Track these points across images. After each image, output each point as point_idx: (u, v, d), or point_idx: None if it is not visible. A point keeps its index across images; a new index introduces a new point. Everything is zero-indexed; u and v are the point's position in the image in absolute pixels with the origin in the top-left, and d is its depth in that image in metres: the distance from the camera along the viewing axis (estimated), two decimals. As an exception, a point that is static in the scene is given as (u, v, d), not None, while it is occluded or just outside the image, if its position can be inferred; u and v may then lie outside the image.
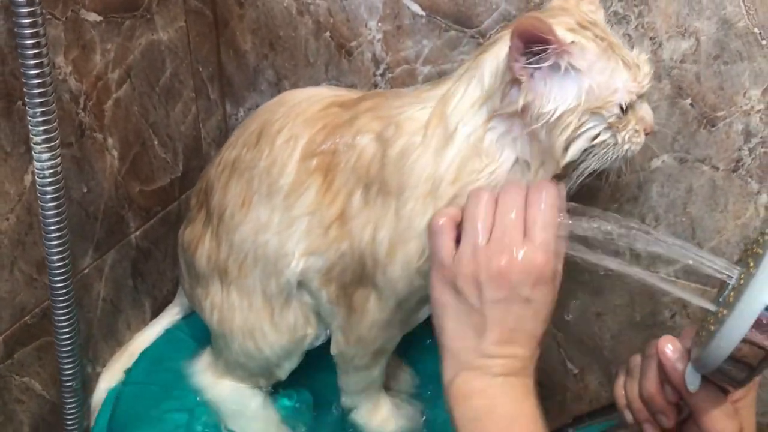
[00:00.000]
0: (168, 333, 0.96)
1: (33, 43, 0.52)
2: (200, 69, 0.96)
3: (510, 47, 0.58)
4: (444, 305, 0.57)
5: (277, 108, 0.75)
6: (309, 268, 0.73)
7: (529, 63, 0.58)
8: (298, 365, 0.84)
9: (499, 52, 0.62)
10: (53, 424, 0.86)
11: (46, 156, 0.55)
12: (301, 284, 0.75)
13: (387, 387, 0.89)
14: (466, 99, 0.64)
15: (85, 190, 0.82)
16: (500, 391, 0.55)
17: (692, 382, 0.52)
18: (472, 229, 0.56)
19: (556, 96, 0.59)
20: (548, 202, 0.56)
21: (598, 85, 0.59)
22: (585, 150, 0.62)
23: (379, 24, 0.86)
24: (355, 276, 0.71)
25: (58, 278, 0.67)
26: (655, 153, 0.80)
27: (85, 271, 0.86)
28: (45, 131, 0.55)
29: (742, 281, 0.50)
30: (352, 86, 0.91)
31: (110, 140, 0.84)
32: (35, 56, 0.53)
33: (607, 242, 0.58)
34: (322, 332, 0.81)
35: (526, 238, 0.55)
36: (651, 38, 0.75)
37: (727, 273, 0.52)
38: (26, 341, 0.80)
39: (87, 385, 0.91)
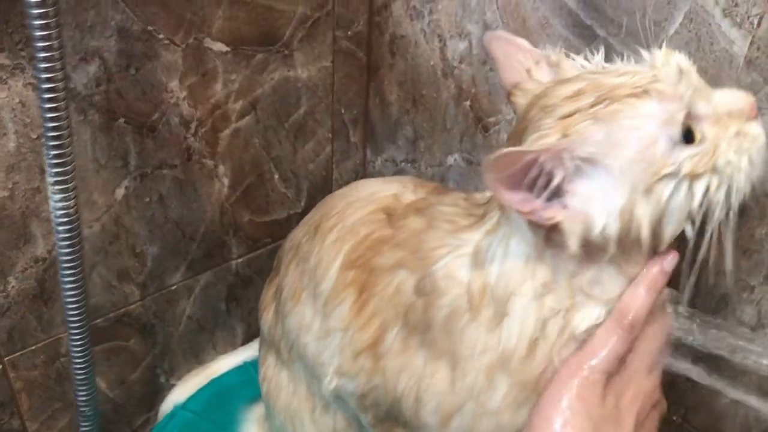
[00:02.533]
0: (247, 366, 0.94)
1: (48, 88, 0.49)
2: (342, 111, 0.91)
3: (497, 194, 0.45)
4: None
5: (340, 201, 0.67)
6: (342, 388, 0.64)
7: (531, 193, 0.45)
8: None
9: None
10: (114, 421, 0.89)
11: (57, 197, 0.53)
12: (339, 399, 0.67)
13: None
14: (511, 262, 0.50)
15: (184, 211, 0.82)
16: None
17: None
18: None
19: (595, 204, 0.45)
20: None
21: (629, 157, 0.44)
22: (686, 219, 0.47)
23: (521, 105, 0.74)
24: (391, 416, 0.61)
25: (74, 318, 0.64)
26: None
27: (173, 287, 0.86)
28: (58, 173, 0.52)
29: None
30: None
31: (221, 167, 0.82)
32: (50, 101, 0.50)
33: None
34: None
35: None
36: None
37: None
38: (96, 341, 0.82)
39: (159, 394, 0.92)
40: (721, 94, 0.48)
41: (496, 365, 0.52)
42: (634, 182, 0.45)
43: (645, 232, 0.46)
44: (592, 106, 0.46)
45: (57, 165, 0.52)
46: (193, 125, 0.77)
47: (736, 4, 0.56)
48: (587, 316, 0.49)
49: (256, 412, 0.85)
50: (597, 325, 0.49)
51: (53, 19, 0.48)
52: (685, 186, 0.45)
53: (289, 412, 0.73)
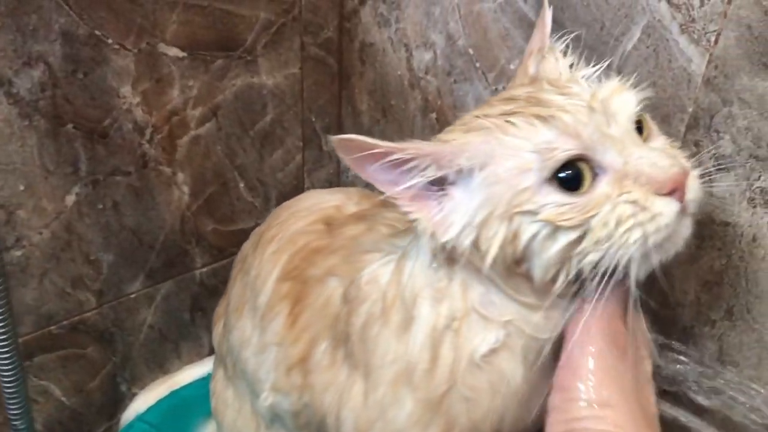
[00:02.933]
0: (210, 377, 0.91)
1: None
2: (313, 119, 0.89)
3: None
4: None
5: (285, 211, 0.65)
6: (278, 406, 0.62)
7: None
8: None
9: None
10: (72, 430, 0.88)
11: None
12: (276, 417, 0.64)
13: None
14: (420, 263, 0.47)
15: (141, 219, 0.80)
16: None
17: None
18: None
19: (456, 213, 0.44)
20: None
21: (498, 176, 0.42)
22: (557, 264, 0.43)
23: (484, 119, 0.71)
24: None
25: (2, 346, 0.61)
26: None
27: (132, 296, 0.84)
28: None
29: None
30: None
31: (181, 175, 0.80)
32: None
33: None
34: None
35: None
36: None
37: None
38: (50, 348, 0.80)
39: (121, 403, 0.91)
40: (647, 153, 0.42)
41: (402, 377, 0.49)
42: (495, 203, 0.42)
43: (490, 256, 0.43)
44: (501, 115, 0.43)
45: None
46: (148, 132, 0.75)
47: (693, 20, 0.52)
48: (486, 339, 0.46)
49: (211, 426, 0.83)
50: (495, 350, 0.46)
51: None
52: (546, 230, 0.42)
53: (235, 429, 0.71)
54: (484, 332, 0.47)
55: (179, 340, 0.93)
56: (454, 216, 0.44)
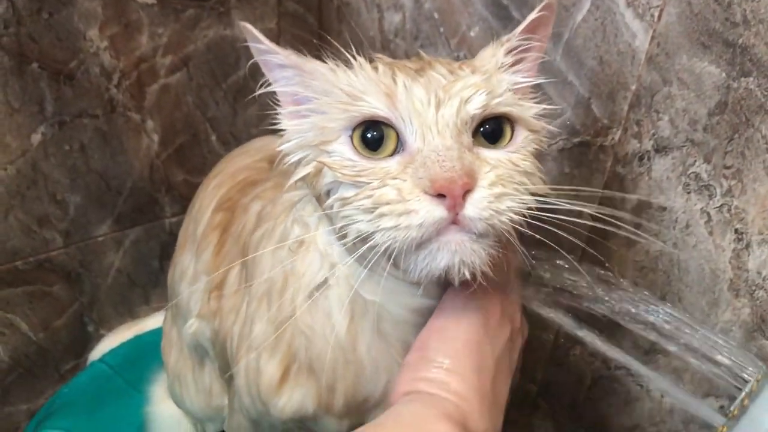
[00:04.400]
0: (175, 325, 0.93)
1: None
2: (290, 76, 0.88)
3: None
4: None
5: (236, 151, 0.66)
6: (201, 334, 0.63)
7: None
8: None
9: None
10: (39, 365, 0.90)
11: None
12: (199, 346, 0.65)
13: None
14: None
15: (109, 163, 0.81)
16: None
17: None
18: None
19: (300, 131, 0.44)
20: None
21: (325, 111, 0.42)
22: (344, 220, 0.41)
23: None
24: (226, 362, 0.59)
25: None
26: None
27: (99, 239, 0.86)
28: None
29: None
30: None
31: (150, 123, 0.81)
32: None
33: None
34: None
35: None
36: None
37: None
38: (16, 283, 0.82)
39: (89, 343, 0.93)
40: (443, 149, 0.38)
41: (266, 294, 0.50)
42: (313, 133, 0.42)
43: (294, 179, 0.44)
44: (389, 65, 0.44)
45: None
46: (115, 77, 0.76)
47: (638, -7, 0.50)
48: (317, 275, 0.46)
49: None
50: (324, 292, 0.46)
51: None
52: (331, 176, 0.41)
53: (177, 370, 0.73)
54: (318, 267, 0.47)
55: (148, 286, 0.94)
56: (294, 133, 0.44)
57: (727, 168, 0.48)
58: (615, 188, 0.57)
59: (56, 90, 0.73)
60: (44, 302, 0.86)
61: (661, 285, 0.56)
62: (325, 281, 0.46)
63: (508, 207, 0.38)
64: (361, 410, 0.51)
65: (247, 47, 0.83)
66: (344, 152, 0.41)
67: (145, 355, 0.88)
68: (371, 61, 0.45)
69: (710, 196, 0.50)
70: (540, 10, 0.44)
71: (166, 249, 0.92)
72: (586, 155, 0.58)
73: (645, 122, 0.53)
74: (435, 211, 0.37)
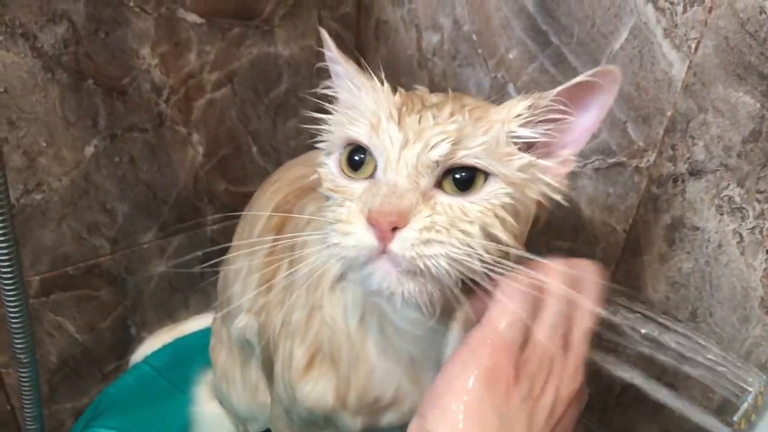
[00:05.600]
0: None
1: None
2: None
3: None
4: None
5: (294, 162, 0.72)
6: (249, 328, 0.67)
7: None
8: None
9: None
10: (84, 365, 0.94)
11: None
12: (245, 342, 0.69)
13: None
14: None
15: (156, 174, 0.84)
16: None
17: None
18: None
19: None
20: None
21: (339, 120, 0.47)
22: None
23: (482, 105, 0.73)
24: (269, 355, 0.63)
25: (6, 273, 0.65)
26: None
27: (145, 246, 0.89)
28: None
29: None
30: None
31: (196, 135, 0.84)
32: None
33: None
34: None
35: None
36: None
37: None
38: (65, 287, 0.86)
39: (130, 345, 0.97)
40: (393, 182, 0.41)
41: (308, 284, 0.54)
42: (327, 143, 0.47)
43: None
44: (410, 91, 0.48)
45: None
46: (165, 92, 0.79)
47: (676, 25, 0.53)
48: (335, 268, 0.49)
49: (210, 375, 0.88)
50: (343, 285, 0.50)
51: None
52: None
53: (225, 367, 0.77)
54: None
55: (188, 291, 0.98)
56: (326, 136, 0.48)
57: (760, 192, 0.51)
58: (649, 208, 0.59)
59: (109, 105, 0.77)
60: (91, 306, 0.90)
61: (693, 300, 0.58)
62: (342, 276, 0.49)
63: (436, 253, 0.40)
64: (372, 410, 0.54)
65: (289, 63, 0.86)
66: (332, 166, 0.46)
67: (187, 357, 0.92)
68: (407, 88, 0.48)
69: (743, 218, 0.52)
70: (590, 75, 0.42)
71: (207, 256, 0.96)
72: (621, 175, 0.61)
73: (680, 146, 0.55)
74: (367, 238, 0.40)
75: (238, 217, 0.93)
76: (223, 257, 0.81)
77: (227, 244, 0.76)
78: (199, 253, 0.94)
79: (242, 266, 0.68)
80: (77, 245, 0.84)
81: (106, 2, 0.71)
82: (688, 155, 0.55)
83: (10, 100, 0.71)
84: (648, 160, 0.58)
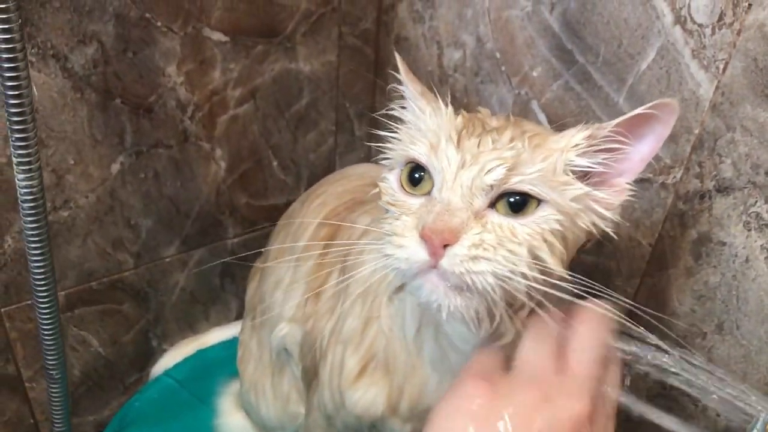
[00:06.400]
0: (235, 340, 0.97)
1: (10, 67, 0.52)
2: (347, 105, 0.92)
3: None
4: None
5: (336, 175, 0.74)
6: (291, 336, 0.68)
7: None
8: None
9: None
10: (106, 377, 0.95)
11: (22, 176, 0.57)
12: (283, 352, 0.70)
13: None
14: None
15: (180, 189, 0.85)
16: None
17: None
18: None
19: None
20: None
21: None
22: None
23: (505, 121, 0.74)
24: (313, 363, 0.64)
25: (40, 287, 0.66)
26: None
27: (167, 260, 0.90)
28: (21, 155, 0.56)
29: None
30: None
31: (218, 151, 0.85)
32: (12, 79, 0.53)
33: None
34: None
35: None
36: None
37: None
38: (90, 302, 0.87)
39: (151, 358, 0.98)
40: (446, 201, 0.43)
41: (363, 293, 0.55)
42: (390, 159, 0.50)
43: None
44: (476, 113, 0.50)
45: (20, 147, 0.56)
46: (190, 109, 0.80)
47: (704, 47, 0.54)
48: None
49: (234, 386, 0.89)
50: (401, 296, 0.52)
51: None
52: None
53: (254, 378, 0.78)
54: None
55: (209, 303, 0.99)
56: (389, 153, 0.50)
57: (788, 210, 0.52)
58: (675, 223, 0.61)
59: (135, 123, 0.78)
60: (114, 319, 0.91)
61: (719, 313, 0.60)
62: (402, 286, 0.50)
63: (483, 269, 0.41)
64: (423, 417, 0.55)
65: (310, 78, 0.88)
66: (392, 182, 0.48)
67: (209, 369, 0.93)
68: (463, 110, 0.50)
69: (770, 234, 0.54)
70: (649, 108, 0.43)
71: (227, 268, 0.97)
72: (648, 191, 0.62)
73: (707, 164, 0.57)
74: (419, 252, 0.42)
75: (258, 230, 0.95)
76: (253, 264, 0.83)
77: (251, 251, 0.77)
78: (219, 262, 0.95)
79: (284, 275, 0.69)
80: (102, 260, 0.85)
81: (135, 23, 0.72)
82: (715, 172, 0.56)
83: (40, 120, 0.71)
84: (675, 177, 0.60)
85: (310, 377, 0.66)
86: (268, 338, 0.74)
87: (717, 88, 0.54)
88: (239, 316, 1.03)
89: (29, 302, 0.82)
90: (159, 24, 0.73)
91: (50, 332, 0.68)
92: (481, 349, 0.47)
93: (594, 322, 0.45)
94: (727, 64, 0.53)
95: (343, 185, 0.71)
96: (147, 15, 0.72)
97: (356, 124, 0.95)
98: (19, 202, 0.59)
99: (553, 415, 0.41)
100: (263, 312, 0.74)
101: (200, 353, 0.96)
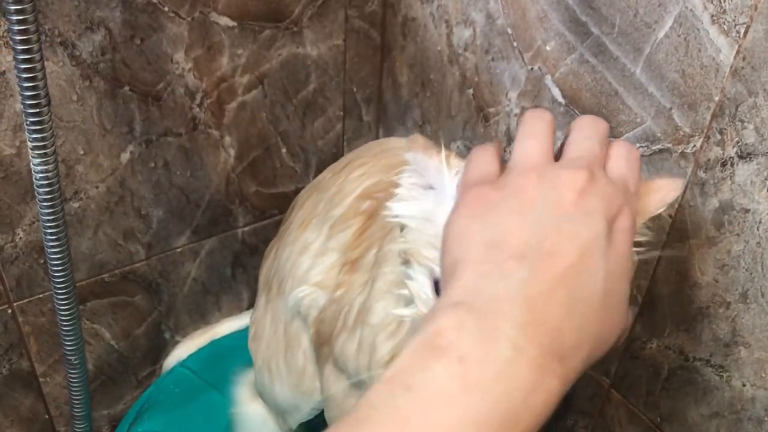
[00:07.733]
0: (248, 330, 0.97)
1: (24, 59, 0.51)
2: (354, 89, 0.92)
3: None
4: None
5: (376, 146, 0.74)
6: (313, 301, 0.68)
7: None
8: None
9: None
10: (119, 371, 0.94)
11: (37, 161, 0.56)
12: (298, 314, 0.70)
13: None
14: None
15: (190, 178, 0.85)
16: None
17: None
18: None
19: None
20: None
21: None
22: None
23: (518, 99, 0.73)
24: (331, 328, 0.64)
25: (58, 277, 0.66)
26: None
27: (178, 250, 0.90)
28: (36, 139, 0.55)
29: None
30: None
31: (228, 138, 0.85)
32: (26, 61, 0.52)
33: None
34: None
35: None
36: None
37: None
38: (102, 294, 0.86)
39: (164, 350, 0.97)
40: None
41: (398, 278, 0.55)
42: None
43: None
44: None
45: (35, 131, 0.55)
46: (198, 96, 0.79)
47: (724, 11, 0.53)
48: None
49: (249, 376, 0.89)
50: None
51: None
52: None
53: (268, 354, 0.78)
54: None
55: (220, 293, 0.98)
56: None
57: (814, 173, 0.52)
58: (696, 192, 0.60)
59: (145, 111, 0.77)
60: (126, 312, 0.90)
61: (743, 282, 0.59)
62: None
63: None
64: None
65: (317, 63, 0.87)
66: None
67: (224, 357, 0.93)
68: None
69: (795, 199, 0.53)
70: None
71: (238, 257, 0.96)
72: (667, 161, 0.62)
73: (728, 131, 0.56)
74: None
75: (268, 217, 0.95)
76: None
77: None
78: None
79: (313, 241, 0.69)
80: (113, 252, 0.84)
81: (142, 8, 0.71)
82: (737, 139, 0.56)
83: (48, 109, 0.71)
84: (694, 146, 0.59)
85: (322, 340, 0.66)
86: (284, 307, 0.73)
87: (738, 52, 0.54)
88: (251, 305, 1.02)
89: (41, 295, 0.82)
90: (166, 9, 0.72)
91: (68, 315, 0.67)
92: (473, 154, 0.44)
93: (591, 119, 0.45)
94: (748, 27, 0.52)
95: (387, 158, 0.70)
96: (154, 0, 0.71)
97: (364, 108, 0.95)
98: (35, 188, 0.58)
99: (552, 186, 0.39)
100: (280, 281, 0.74)
101: (214, 343, 0.96)
